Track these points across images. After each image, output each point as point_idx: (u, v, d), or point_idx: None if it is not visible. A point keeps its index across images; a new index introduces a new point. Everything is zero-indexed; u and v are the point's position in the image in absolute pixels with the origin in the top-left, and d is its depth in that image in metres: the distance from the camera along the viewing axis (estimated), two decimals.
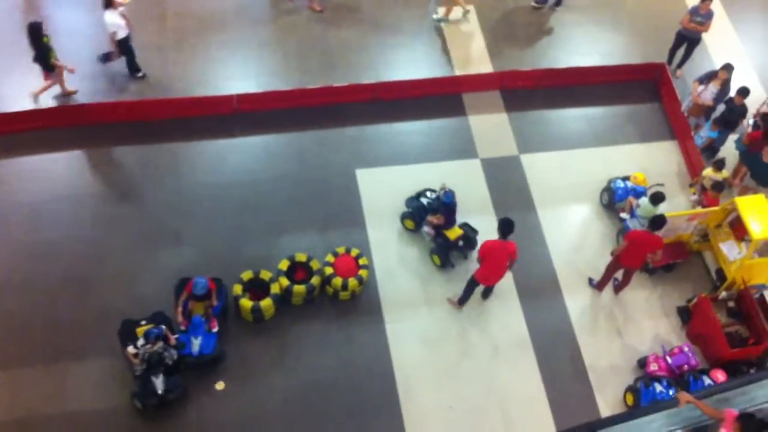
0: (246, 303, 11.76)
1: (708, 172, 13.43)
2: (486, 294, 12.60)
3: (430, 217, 12.77)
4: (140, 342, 10.73)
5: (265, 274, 12.07)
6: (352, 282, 12.12)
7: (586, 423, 8.97)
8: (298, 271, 12.34)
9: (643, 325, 12.73)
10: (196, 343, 11.25)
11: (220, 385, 11.41)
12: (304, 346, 11.89)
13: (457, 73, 15.70)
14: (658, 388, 11.42)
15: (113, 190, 13.42)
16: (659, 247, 11.89)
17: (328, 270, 12.24)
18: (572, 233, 13.68)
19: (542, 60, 16.18)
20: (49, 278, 12.23)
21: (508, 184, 14.18)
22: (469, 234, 12.99)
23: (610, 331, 12.60)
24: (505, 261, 11.61)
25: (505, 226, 11.37)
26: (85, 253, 12.57)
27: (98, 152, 13.90)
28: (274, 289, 11.96)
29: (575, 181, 14.29)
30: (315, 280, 12.14)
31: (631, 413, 8.93)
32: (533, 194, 14.05)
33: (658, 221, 11.75)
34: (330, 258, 12.42)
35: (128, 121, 14.12)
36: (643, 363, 12.09)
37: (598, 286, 12.84)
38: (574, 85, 15.68)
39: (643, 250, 11.93)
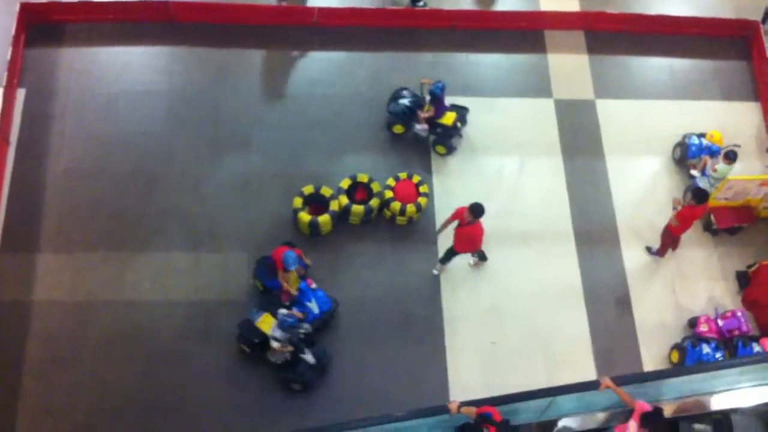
0: (304, 216, 11.94)
1: None
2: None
3: (420, 112, 12.80)
4: (278, 334, 10.44)
5: (326, 191, 12.21)
6: (410, 208, 12.17)
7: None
8: (358, 191, 12.44)
9: (698, 285, 12.57)
10: (314, 306, 11.29)
11: None
12: (356, 265, 12.07)
13: (542, 8, 15.27)
14: (705, 349, 11.37)
15: (189, 90, 13.57)
16: (704, 212, 11.78)
17: (388, 193, 12.31)
18: (639, 185, 13.44)
19: (632, 3, 15.63)
20: (118, 169, 12.58)
21: (579, 128, 13.92)
22: (462, 113, 13.22)
23: (664, 288, 12.48)
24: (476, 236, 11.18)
25: (478, 209, 10.89)
26: (155, 148, 12.85)
27: (178, 51, 14.02)
28: (333, 206, 12.09)
29: (649, 132, 13.96)
30: (374, 202, 12.23)
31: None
32: (604, 141, 13.78)
33: (701, 196, 11.41)
34: (391, 182, 12.47)
35: (211, 22, 14.19)
36: (693, 323, 11.99)
37: (659, 252, 12.62)
38: (661, 33, 15.14)
39: (691, 222, 11.78)
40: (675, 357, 11.64)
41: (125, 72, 13.58)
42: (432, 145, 13.22)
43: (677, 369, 10.94)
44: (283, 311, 10.55)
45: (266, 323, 10.83)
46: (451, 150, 13.19)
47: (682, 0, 15.88)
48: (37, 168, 12.50)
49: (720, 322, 11.80)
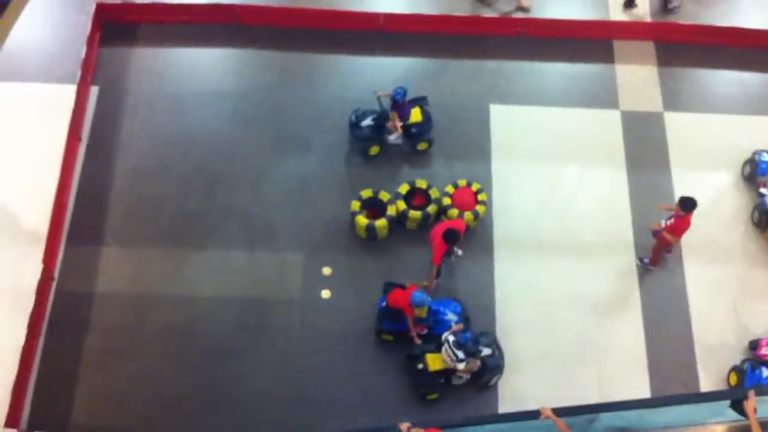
0: (361, 220, 12.03)
1: None
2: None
3: (389, 124, 12.56)
4: (462, 355, 10.34)
5: (384, 195, 12.27)
6: (468, 215, 12.13)
7: None
8: (416, 196, 12.46)
9: (762, 307, 12.16)
10: (453, 316, 11.32)
11: (325, 294, 11.81)
12: (411, 270, 12.06)
13: (612, 17, 15.04)
14: (765, 372, 10.99)
15: (254, 92, 13.85)
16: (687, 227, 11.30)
17: (446, 200, 12.29)
18: (705, 201, 12.95)
19: (706, 14, 15.25)
20: (183, 167, 12.92)
21: (645, 141, 13.66)
22: (421, 102, 12.98)
23: (726, 307, 12.12)
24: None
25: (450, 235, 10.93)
26: (219, 148, 13.15)
27: (244, 53, 14.34)
28: (391, 210, 12.15)
29: (718, 147, 13.59)
30: (431, 208, 12.23)
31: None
32: (671, 155, 13.48)
33: (687, 203, 11.07)
34: (450, 189, 12.45)
35: (276, 25, 14.45)
36: (755, 345, 11.60)
37: (652, 262, 12.26)
38: (734, 45, 14.72)
39: (682, 232, 11.42)
40: (733, 379, 11.30)
41: (193, 73, 13.97)
42: (413, 147, 13.09)
43: (729, 391, 10.60)
44: (449, 336, 10.45)
45: (436, 361, 10.78)
46: (432, 142, 13.08)
47: (756, 11, 15.42)
48: (106, 164, 12.92)
49: None
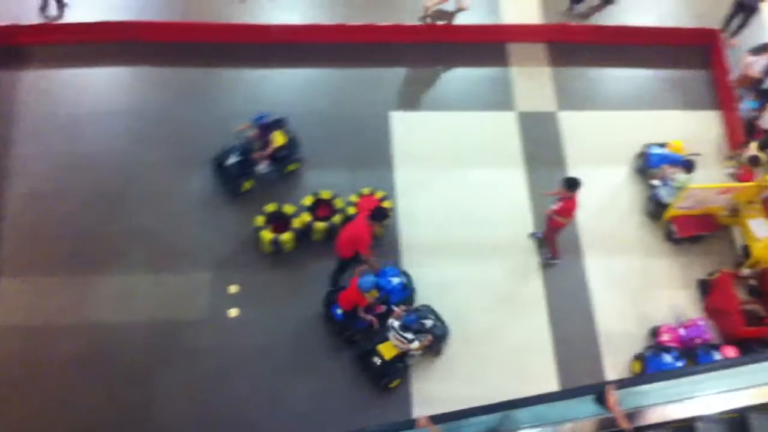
0: (266, 234, 11.96)
1: (753, 147, 13.11)
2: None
3: (254, 154, 12.39)
4: (411, 336, 10.75)
5: (288, 208, 12.24)
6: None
7: None
8: (321, 208, 12.46)
9: (660, 294, 12.64)
10: (395, 279, 11.61)
11: (233, 312, 11.70)
12: (319, 282, 12.02)
13: (504, 21, 15.40)
14: (667, 358, 11.41)
15: (151, 109, 13.61)
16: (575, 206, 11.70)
17: (351, 209, 12.33)
18: (601, 195, 13.52)
19: (594, 15, 15.77)
20: (80, 190, 12.59)
21: (542, 140, 14.02)
22: (280, 123, 12.47)
23: (626, 297, 12.55)
24: (349, 231, 11.16)
25: (378, 213, 11.25)
26: (117, 168, 12.87)
27: (141, 70, 14.10)
28: (296, 223, 12.13)
29: (611, 143, 14.06)
30: (337, 219, 12.25)
31: None
32: (566, 152, 13.88)
33: (571, 183, 11.46)
34: (354, 198, 12.51)
35: (170, 41, 14.25)
36: (655, 332, 12.06)
37: (555, 256, 12.64)
38: (623, 44, 15.29)
39: (573, 212, 11.81)
40: (636, 367, 11.70)
41: (88, 93, 13.65)
42: (281, 172, 12.83)
43: (638, 378, 10.96)
44: (393, 322, 10.81)
45: (389, 349, 10.99)
46: (302, 160, 12.98)
47: (643, 10, 16.05)
48: None
49: (681, 331, 11.88)
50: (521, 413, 7.73)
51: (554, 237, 12.39)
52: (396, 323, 10.81)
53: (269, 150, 12.33)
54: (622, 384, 7.24)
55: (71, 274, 11.85)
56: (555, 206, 11.77)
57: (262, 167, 12.57)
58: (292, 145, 12.71)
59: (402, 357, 11.09)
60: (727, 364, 9.03)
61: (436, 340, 11.27)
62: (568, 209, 11.67)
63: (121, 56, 14.10)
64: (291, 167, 12.92)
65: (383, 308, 11.43)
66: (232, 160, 12.43)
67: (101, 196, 12.58)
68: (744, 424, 8.00)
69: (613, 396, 6.85)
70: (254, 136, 12.30)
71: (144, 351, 11.36)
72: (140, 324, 11.52)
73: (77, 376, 11.12)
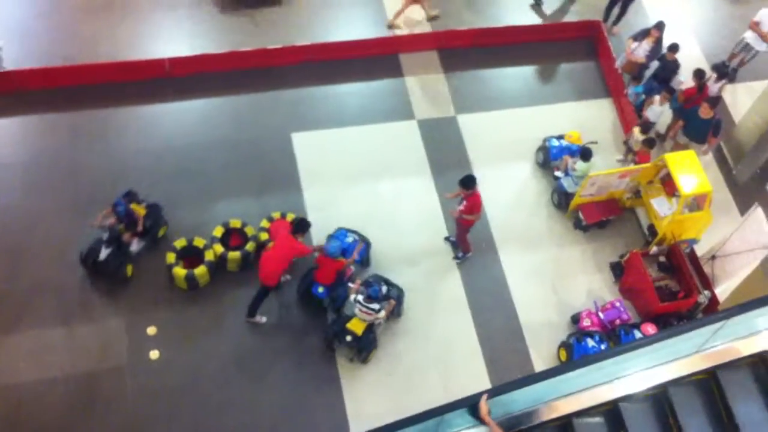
0: (180, 271, 11.68)
1: (636, 131, 13.58)
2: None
3: (123, 237, 11.67)
4: (377, 306, 11.17)
5: (199, 242, 12.00)
6: None
7: None
8: (233, 237, 12.25)
9: (577, 281, 12.93)
10: (350, 236, 12.28)
11: (154, 354, 11.36)
12: (239, 312, 11.82)
13: (394, 33, 15.55)
14: (591, 343, 11.64)
15: (43, 159, 13.09)
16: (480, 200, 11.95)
17: (264, 235, 12.18)
18: (508, 192, 13.77)
19: (480, 18, 16.07)
20: None
21: (444, 145, 14.18)
22: (136, 198, 11.94)
23: (544, 288, 12.79)
24: (278, 254, 11.13)
25: (300, 224, 11.30)
26: (13, 223, 12.33)
27: (27, 120, 13.58)
28: (209, 256, 11.89)
29: (511, 140, 14.33)
30: (250, 246, 12.08)
31: None
32: (470, 154, 14.07)
33: (466, 181, 11.70)
34: (265, 223, 12.36)
35: (56, 86, 13.75)
36: (576, 319, 12.30)
37: (465, 250, 12.79)
38: (511, 43, 15.63)
39: (480, 208, 12.03)
40: (563, 355, 11.90)
41: None
42: (155, 242, 12.23)
43: (563, 366, 11.13)
44: (357, 297, 11.18)
45: (358, 324, 11.26)
46: (167, 222, 12.35)
47: (527, 10, 16.47)
48: None
49: (601, 315, 12.14)
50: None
51: (465, 235, 12.53)
52: (360, 297, 11.15)
53: (140, 227, 11.71)
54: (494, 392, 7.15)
55: None
56: (461, 206, 11.89)
57: (134, 246, 11.86)
58: (153, 211, 12.06)
59: (370, 327, 11.36)
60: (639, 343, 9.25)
61: (396, 303, 11.70)
62: (473, 206, 11.81)
63: (5, 107, 13.54)
64: (161, 232, 12.30)
65: (358, 257, 11.90)
66: (104, 253, 11.50)
67: (1, 252, 12.04)
68: (666, 398, 8.24)
69: (484, 406, 6.66)
70: (114, 222, 11.56)
71: (64, 406, 10.87)
72: (58, 379, 11.03)
73: None
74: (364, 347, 11.42)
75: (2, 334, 11.35)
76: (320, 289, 11.61)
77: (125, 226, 11.66)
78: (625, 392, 8.17)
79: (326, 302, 11.80)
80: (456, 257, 12.82)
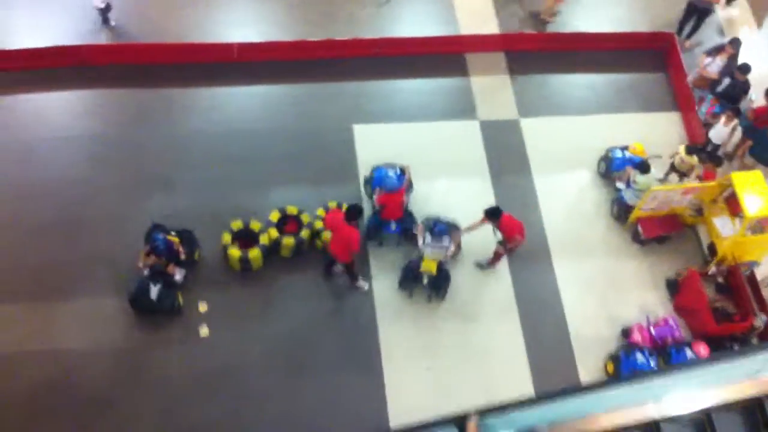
0: (234, 252, 11.81)
1: (681, 150, 13.30)
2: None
3: (168, 269, 11.57)
4: (446, 242, 11.89)
5: (255, 225, 12.10)
6: None
7: None
8: (288, 223, 12.34)
9: (630, 296, 12.71)
10: (391, 173, 12.47)
11: (204, 331, 11.52)
12: (289, 298, 11.96)
13: (462, 32, 15.48)
14: (640, 358, 11.46)
15: (109, 133, 13.38)
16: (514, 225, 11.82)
17: (318, 224, 12.24)
18: (567, 200, 13.60)
19: (550, 23, 15.91)
20: (39, 218, 12.31)
21: (505, 148, 14.08)
22: (163, 227, 11.78)
23: (596, 300, 12.60)
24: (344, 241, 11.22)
25: (353, 211, 11.20)
26: (76, 194, 12.61)
27: (96, 94, 13.87)
28: (263, 239, 11.99)
29: (574, 148, 14.16)
30: (305, 233, 12.15)
31: None
32: (530, 159, 13.95)
33: (491, 212, 11.66)
34: (321, 212, 12.42)
35: (128, 64, 14.05)
36: (627, 333, 12.09)
37: (492, 264, 12.65)
38: (580, 50, 15.45)
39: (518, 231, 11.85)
40: (610, 368, 11.72)
41: (42, 119, 13.39)
42: (192, 264, 12.05)
43: (610, 380, 10.97)
44: (426, 238, 11.85)
45: (430, 264, 11.67)
46: (200, 245, 12.15)
47: (598, 16, 16.24)
48: None
49: (652, 330, 11.95)
50: None
51: (500, 259, 12.51)
52: (428, 238, 11.83)
53: (182, 255, 11.68)
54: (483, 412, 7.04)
55: (34, 301, 11.58)
56: (499, 241, 11.97)
57: (178, 276, 11.74)
58: (187, 236, 11.98)
59: (441, 266, 11.78)
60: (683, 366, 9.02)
61: (442, 287, 12.05)
62: (512, 231, 11.73)
63: (74, 81, 13.86)
64: (196, 256, 12.12)
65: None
66: (155, 291, 11.39)
67: (62, 222, 12.31)
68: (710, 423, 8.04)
69: (472, 425, 6.62)
70: (156, 259, 11.53)
71: (111, 376, 11.13)
72: (108, 349, 11.30)
73: (44, 404, 10.83)
74: (441, 284, 11.96)
75: (58, 300, 11.64)
76: (393, 227, 12.25)
77: (166, 259, 11.60)
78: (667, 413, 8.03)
79: (399, 239, 12.52)
80: (480, 265, 12.71)
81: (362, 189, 13.03)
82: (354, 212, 11.19)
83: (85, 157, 13.02)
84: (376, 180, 12.52)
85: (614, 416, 8.40)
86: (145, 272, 11.44)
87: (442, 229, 11.96)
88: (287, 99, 14.16)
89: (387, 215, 12.13)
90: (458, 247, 12.31)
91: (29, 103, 13.56)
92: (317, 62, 14.57)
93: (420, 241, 11.80)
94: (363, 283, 12.20)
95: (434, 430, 7.07)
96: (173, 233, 11.75)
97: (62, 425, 10.70)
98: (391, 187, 11.99)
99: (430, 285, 11.95)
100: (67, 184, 12.68)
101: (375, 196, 12.22)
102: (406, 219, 12.36)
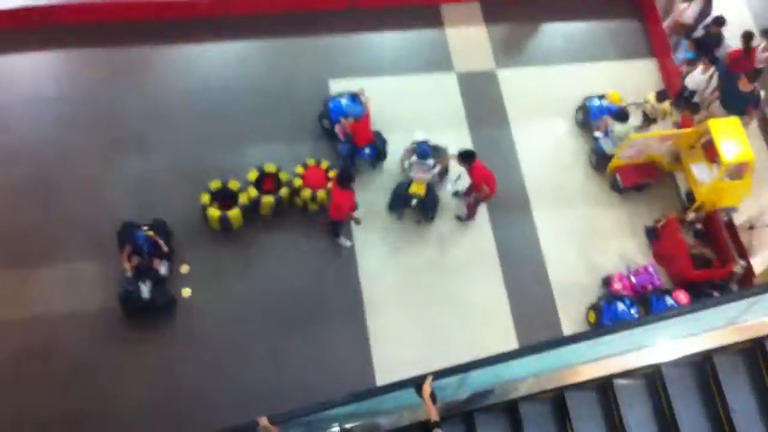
0: (214, 212, 11.69)
1: (651, 97, 13.30)
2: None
3: (153, 264, 11.25)
4: (431, 162, 12.26)
5: (234, 184, 11.96)
6: (321, 194, 12.05)
7: None
8: (267, 181, 12.20)
9: (610, 244, 12.78)
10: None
11: (186, 292, 11.45)
12: (270, 256, 11.90)
13: None
14: (621, 306, 11.56)
15: (79, 94, 13.08)
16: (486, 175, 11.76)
17: (298, 181, 12.13)
18: (545, 150, 13.57)
19: None
20: (10, 182, 12.09)
21: (483, 99, 13.97)
22: (135, 224, 11.43)
23: (576, 249, 12.66)
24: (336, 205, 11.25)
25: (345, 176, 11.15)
26: (49, 157, 12.38)
27: (65, 55, 13.53)
28: (242, 199, 11.87)
29: (551, 98, 14.09)
30: (284, 191, 12.04)
31: None
32: (508, 110, 13.86)
33: (466, 155, 11.62)
34: (299, 169, 12.29)
35: (96, 22, 13.68)
36: (607, 281, 12.19)
37: (468, 216, 12.68)
38: None
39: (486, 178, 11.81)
40: (592, 317, 11.83)
41: (10, 82, 13.04)
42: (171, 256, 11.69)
43: (594, 331, 11.08)
44: (411, 158, 12.31)
45: (419, 186, 12.06)
46: (171, 232, 11.89)
47: None
48: None
49: (633, 279, 12.05)
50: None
51: (476, 206, 12.46)
52: (414, 159, 12.24)
53: (165, 248, 11.36)
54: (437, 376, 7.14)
55: (10, 267, 11.43)
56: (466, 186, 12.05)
57: (164, 270, 11.36)
58: (161, 227, 11.59)
59: (430, 187, 12.18)
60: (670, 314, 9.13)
61: (430, 208, 12.36)
62: (478, 178, 11.68)
63: (45, 41, 13.48)
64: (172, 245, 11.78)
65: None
66: (146, 290, 11.03)
67: (34, 185, 12.09)
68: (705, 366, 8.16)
69: (428, 386, 6.71)
70: (139, 259, 11.19)
71: (95, 339, 11.03)
72: (89, 312, 11.18)
73: (28, 370, 10.76)
74: (430, 206, 12.29)
75: (34, 266, 11.48)
76: (367, 151, 12.56)
77: (149, 256, 11.26)
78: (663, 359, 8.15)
79: (374, 162, 12.80)
80: (459, 218, 12.71)
81: (339, 146, 12.83)
82: (346, 177, 11.06)
83: (56, 119, 12.72)
84: (334, 111, 12.64)
85: (598, 366, 8.54)
86: (128, 273, 11.05)
87: (427, 150, 12.30)
88: (261, 55, 13.90)
89: (360, 141, 12.38)
90: (445, 169, 12.58)
91: (2, 65, 13.19)
92: (289, 16, 14.28)
93: (405, 163, 12.39)
94: (345, 241, 12.15)
95: (395, 391, 7.25)
96: (146, 227, 11.38)
97: (47, 391, 10.62)
98: (359, 113, 12.29)
99: (419, 207, 12.24)
100: (39, 147, 12.42)
101: (339, 127, 12.41)
102: (377, 140, 12.68)
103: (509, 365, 7.77)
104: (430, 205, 12.29)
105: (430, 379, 6.79)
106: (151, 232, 11.36)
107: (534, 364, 7.78)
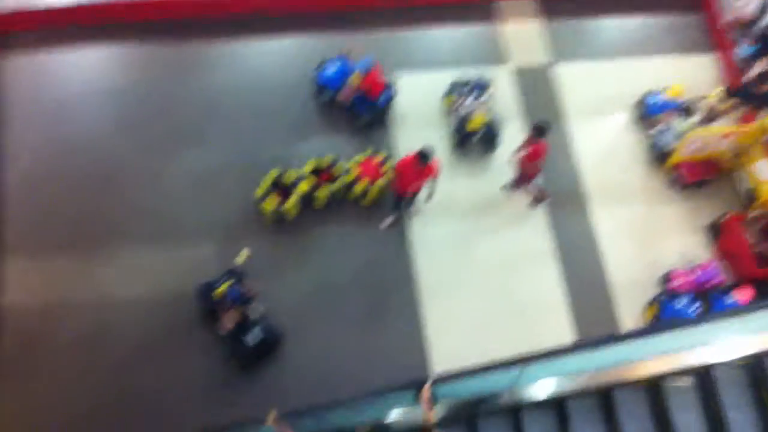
0: (268, 204, 11.74)
1: (712, 95, 13.00)
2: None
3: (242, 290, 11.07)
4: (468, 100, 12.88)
5: (289, 176, 12.00)
6: (376, 186, 12.03)
7: None
8: (322, 173, 12.23)
9: (669, 241, 12.55)
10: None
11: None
12: (324, 248, 11.90)
13: None
14: (680, 304, 11.34)
15: (139, 88, 13.22)
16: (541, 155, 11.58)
17: (351, 176, 12.13)
18: (602, 145, 13.39)
19: None
20: (75, 172, 12.25)
21: (539, 94, 13.83)
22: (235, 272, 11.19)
23: (636, 245, 12.46)
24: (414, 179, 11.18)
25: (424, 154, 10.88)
26: (110, 148, 12.53)
27: (125, 50, 13.68)
28: (298, 190, 11.89)
29: (609, 92, 13.90)
30: (339, 184, 12.06)
31: None
32: (565, 104, 13.70)
33: (541, 129, 11.32)
34: (355, 162, 12.29)
35: (154, 19, 13.86)
36: (666, 278, 11.96)
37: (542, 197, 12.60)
38: None
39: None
40: (650, 314, 11.61)
41: (75, 75, 13.23)
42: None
43: (652, 327, 10.91)
44: (466, 101, 12.74)
45: (476, 121, 12.60)
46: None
47: None
48: None
49: (693, 276, 11.80)
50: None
51: (522, 184, 12.33)
52: (468, 99, 12.81)
53: (251, 292, 11.04)
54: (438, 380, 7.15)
55: (74, 254, 11.57)
56: (522, 152, 11.72)
57: (262, 308, 11.11)
58: (236, 275, 11.15)
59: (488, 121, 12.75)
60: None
61: (495, 135, 12.91)
62: (534, 153, 11.52)
63: (104, 37, 13.66)
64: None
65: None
66: (255, 337, 10.81)
67: (95, 177, 12.24)
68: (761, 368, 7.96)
69: (427, 391, 6.78)
70: (237, 314, 10.94)
71: (152, 328, 11.15)
72: (148, 299, 11.29)
73: (83, 356, 10.90)
74: (492, 136, 12.81)
75: (97, 253, 11.63)
76: (382, 99, 12.78)
77: (241, 305, 11.01)
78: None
79: (371, 117, 12.87)
80: (505, 187, 12.66)
81: (397, 140, 12.77)
82: (424, 155, 10.79)
83: (117, 111, 12.89)
84: (332, 79, 12.85)
85: (656, 363, 8.38)
86: (226, 332, 10.86)
87: (479, 86, 13.00)
88: (316, 51, 13.80)
89: (375, 93, 12.62)
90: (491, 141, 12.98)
91: (62, 60, 13.39)
92: (344, 13, 14.30)
93: (465, 105, 12.77)
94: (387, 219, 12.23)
95: (396, 392, 7.21)
96: (224, 279, 11.01)
97: (100, 377, 10.76)
98: (368, 66, 12.41)
99: (482, 140, 12.78)
100: (100, 140, 12.58)
101: (347, 89, 12.65)
102: (387, 90, 12.85)
103: (563, 361, 7.70)
104: (494, 134, 12.75)
105: (428, 384, 6.84)
106: (228, 282, 10.92)
107: (584, 361, 7.70)
